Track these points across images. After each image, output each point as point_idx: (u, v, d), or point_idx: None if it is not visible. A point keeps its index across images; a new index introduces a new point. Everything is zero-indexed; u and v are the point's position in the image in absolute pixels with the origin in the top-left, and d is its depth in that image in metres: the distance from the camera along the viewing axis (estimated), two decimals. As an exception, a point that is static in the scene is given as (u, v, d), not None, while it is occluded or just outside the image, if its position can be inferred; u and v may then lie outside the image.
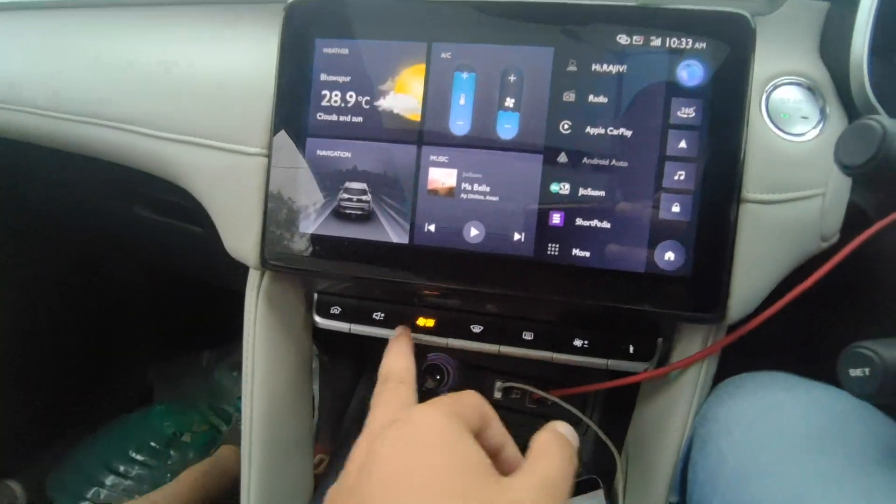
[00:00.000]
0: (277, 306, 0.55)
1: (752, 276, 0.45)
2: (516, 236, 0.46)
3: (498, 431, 0.36)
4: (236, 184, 0.51)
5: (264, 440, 0.56)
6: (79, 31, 0.58)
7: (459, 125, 0.47)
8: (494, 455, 0.35)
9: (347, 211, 0.48)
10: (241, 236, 0.51)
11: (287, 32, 0.50)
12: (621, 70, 0.45)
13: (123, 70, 0.55)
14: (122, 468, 0.90)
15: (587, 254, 0.45)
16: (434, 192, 0.47)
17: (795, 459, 0.37)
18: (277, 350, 0.56)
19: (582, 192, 0.45)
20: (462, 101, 0.47)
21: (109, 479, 0.88)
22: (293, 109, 0.49)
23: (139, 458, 0.90)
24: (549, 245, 0.46)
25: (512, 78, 0.46)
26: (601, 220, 0.45)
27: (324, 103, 0.49)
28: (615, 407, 0.60)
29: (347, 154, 0.48)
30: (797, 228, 0.45)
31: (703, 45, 0.44)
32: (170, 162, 0.54)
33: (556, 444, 0.34)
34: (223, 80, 0.52)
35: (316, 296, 0.56)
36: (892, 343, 0.35)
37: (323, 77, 0.49)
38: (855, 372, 0.35)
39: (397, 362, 0.43)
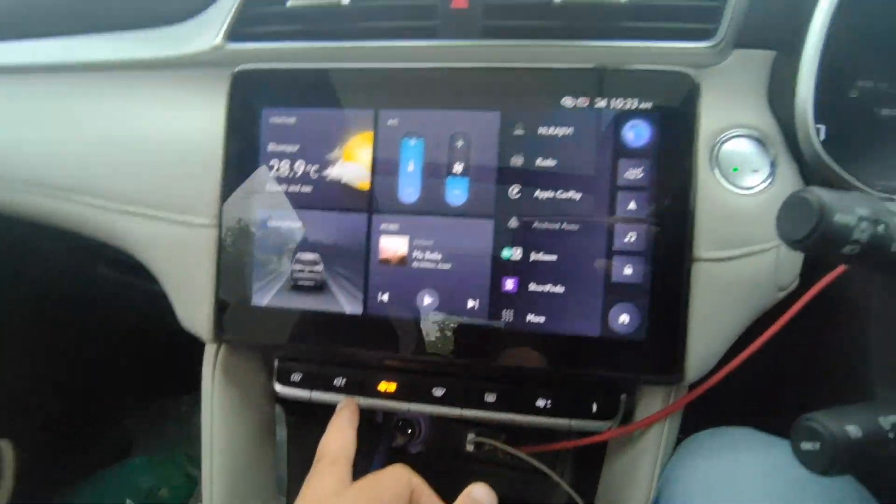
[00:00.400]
0: (236, 377, 0.54)
1: (708, 336, 0.44)
2: (470, 303, 0.45)
3: (429, 501, 0.37)
4: (187, 256, 0.50)
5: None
6: (24, 98, 0.57)
7: (409, 192, 0.46)
8: None
9: (300, 282, 0.48)
10: (193, 310, 0.50)
11: (233, 102, 0.49)
12: (568, 132, 0.44)
13: (70, 138, 0.54)
14: (98, 527, 0.88)
15: (542, 319, 0.45)
16: (386, 261, 0.46)
17: None
18: (237, 421, 0.55)
19: (534, 256, 0.45)
20: (411, 168, 0.46)
21: (86, 539, 0.86)
22: (242, 180, 0.49)
23: (116, 515, 0.89)
24: (504, 311, 0.45)
25: (460, 143, 0.46)
26: (554, 285, 0.44)
27: (273, 173, 0.48)
28: (586, 462, 0.59)
29: (298, 224, 0.48)
30: (752, 283, 0.45)
31: (648, 104, 0.44)
32: (119, 233, 0.53)
33: None
34: (171, 149, 0.52)
35: (276, 362, 0.55)
36: (844, 413, 0.34)
37: (271, 147, 0.48)
38: (806, 446, 0.34)
39: (333, 441, 0.42)
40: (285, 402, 0.61)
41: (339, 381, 0.53)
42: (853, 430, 0.33)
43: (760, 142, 0.46)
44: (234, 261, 0.49)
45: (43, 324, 0.85)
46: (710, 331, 0.44)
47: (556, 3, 0.46)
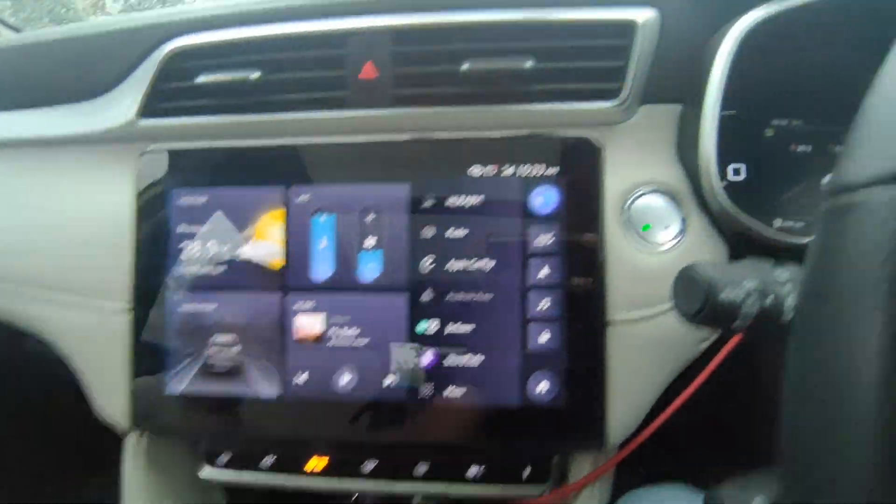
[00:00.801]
0: (160, 464, 0.52)
1: (629, 397, 0.44)
2: (388, 379, 0.45)
3: None
4: (101, 343, 0.49)
5: None
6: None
7: (322, 269, 0.46)
8: None
9: (216, 366, 0.46)
10: (109, 399, 0.49)
11: (142, 183, 0.48)
12: (477, 202, 0.44)
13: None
14: None
15: (461, 392, 0.44)
16: (302, 339, 0.46)
17: None
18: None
19: (450, 328, 0.44)
20: (323, 244, 0.46)
21: None
22: (153, 262, 0.48)
23: None
24: (422, 386, 0.44)
25: (371, 217, 0.45)
26: (472, 356, 0.44)
27: (184, 255, 0.47)
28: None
29: (212, 306, 0.47)
30: (669, 341, 0.45)
31: (554, 171, 0.44)
32: (33, 321, 0.51)
33: None
34: (83, 231, 0.50)
35: (204, 445, 0.53)
36: (751, 485, 0.34)
37: (181, 228, 0.47)
38: None
39: None
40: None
41: (268, 461, 0.51)
42: None
43: (671, 197, 0.47)
44: (149, 346, 0.48)
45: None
46: (630, 392, 0.44)
47: (463, 71, 0.46)
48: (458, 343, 0.44)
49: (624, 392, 0.44)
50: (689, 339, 0.45)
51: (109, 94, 0.53)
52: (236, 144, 0.47)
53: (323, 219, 0.46)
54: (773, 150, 0.52)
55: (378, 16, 0.48)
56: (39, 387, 0.70)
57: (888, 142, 0.19)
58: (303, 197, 0.46)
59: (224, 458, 0.52)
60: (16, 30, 0.84)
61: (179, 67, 0.51)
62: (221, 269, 0.47)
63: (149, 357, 0.47)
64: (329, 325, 0.45)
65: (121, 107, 0.52)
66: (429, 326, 0.44)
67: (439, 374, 0.44)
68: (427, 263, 0.44)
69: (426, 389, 0.44)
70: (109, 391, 0.49)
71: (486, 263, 0.44)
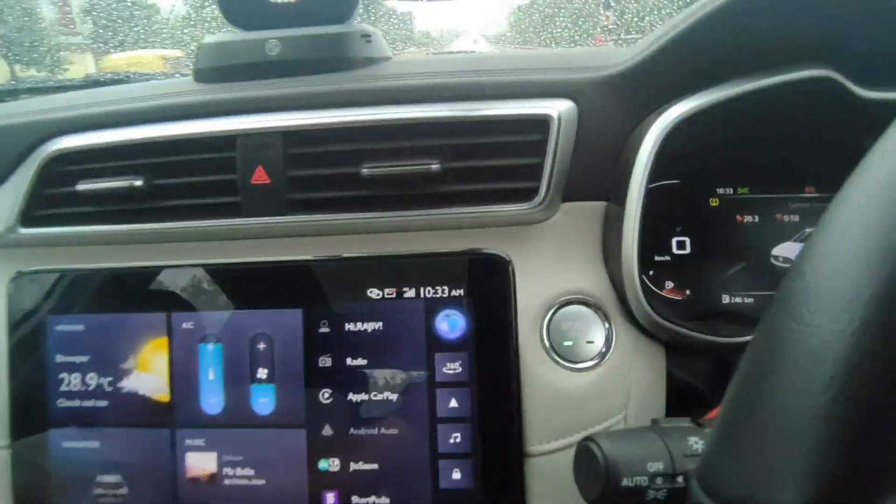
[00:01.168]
0: None
1: (552, 534, 0.40)
2: (290, 522, 0.41)
3: None
4: (-20, 480, 0.44)
5: None
6: None
7: (212, 403, 0.41)
8: None
9: (104, 508, 0.42)
10: (-7, 541, 0.45)
11: (14, 309, 0.44)
12: (377, 327, 0.40)
13: None
14: None
15: (369, 535, 0.40)
16: (195, 479, 0.41)
17: None
18: None
19: (354, 466, 0.40)
20: (211, 376, 0.41)
21: None
22: (31, 395, 0.43)
23: None
24: (328, 529, 0.40)
25: (262, 346, 0.41)
26: (378, 496, 0.40)
27: (63, 388, 0.43)
28: None
29: (96, 444, 0.42)
30: (597, 468, 0.41)
31: (460, 291, 0.40)
32: None
33: None
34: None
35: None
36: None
37: (59, 358, 0.43)
38: None
39: None
40: None
41: None
42: None
43: (595, 307, 0.43)
44: (32, 485, 0.43)
45: None
46: (554, 528, 0.40)
47: (364, 174, 0.42)
48: (364, 482, 0.40)
49: (547, 529, 0.40)
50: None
51: None
52: (115, 266, 0.43)
53: (210, 347, 0.41)
54: (719, 221, 0.49)
55: (268, 115, 0.44)
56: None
57: (767, 461, 0.15)
58: (187, 324, 0.41)
59: None
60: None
61: (60, 171, 0.46)
62: (104, 402, 0.42)
63: (32, 497, 0.43)
64: (223, 464, 0.41)
65: (0, 212, 0.47)
66: (331, 465, 0.40)
67: (345, 516, 0.40)
68: (325, 396, 0.40)
69: (330, 533, 0.40)
70: (-8, 532, 0.45)
71: (390, 395, 0.40)
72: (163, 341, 0.42)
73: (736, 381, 0.17)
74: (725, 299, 0.48)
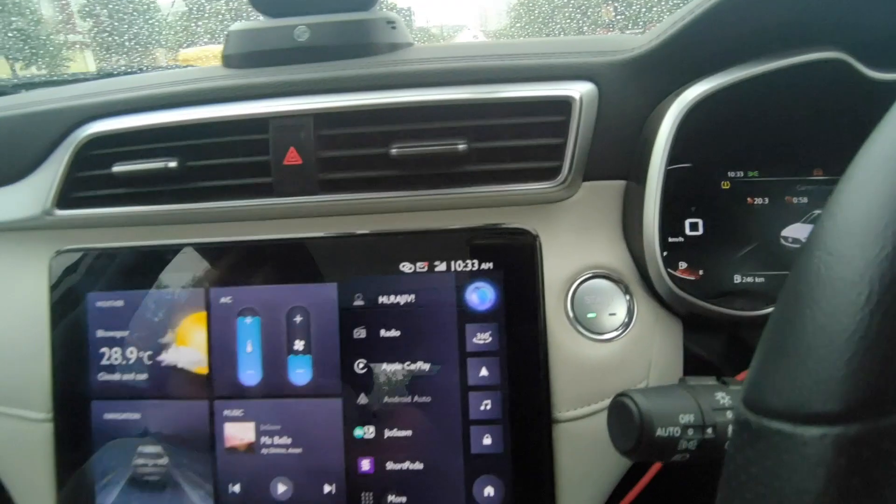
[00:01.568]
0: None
1: (580, 496, 0.42)
2: (326, 488, 0.42)
3: None
4: (25, 452, 0.46)
5: None
6: None
7: (250, 374, 0.43)
8: None
9: (145, 477, 0.44)
10: (36, 511, 0.46)
11: (56, 285, 0.45)
12: (409, 300, 0.42)
13: None
14: None
15: (403, 499, 0.42)
16: (233, 449, 0.43)
17: None
18: None
19: (388, 433, 0.42)
20: (249, 349, 0.43)
21: None
22: (73, 370, 0.45)
23: None
24: (363, 494, 0.42)
25: (298, 319, 0.43)
26: (413, 462, 0.42)
27: (104, 362, 0.44)
28: None
29: (136, 416, 0.44)
30: (621, 434, 0.42)
31: (489, 265, 0.41)
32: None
33: None
34: (-1, 334, 0.47)
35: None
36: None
37: (100, 333, 0.44)
38: None
39: None
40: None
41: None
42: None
43: (616, 281, 0.45)
44: (75, 457, 0.45)
45: None
46: (581, 491, 0.42)
47: (393, 154, 0.44)
48: (398, 448, 0.42)
49: (575, 490, 0.42)
50: (641, 429, 0.43)
51: (24, 181, 0.50)
52: (154, 244, 0.44)
53: (248, 321, 0.43)
54: (731, 203, 0.50)
55: (299, 98, 0.45)
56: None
57: (808, 373, 0.17)
58: (225, 299, 0.43)
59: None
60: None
61: (95, 154, 0.48)
62: (144, 376, 0.44)
63: (74, 468, 0.45)
64: (260, 433, 0.43)
65: (37, 195, 0.49)
66: (366, 432, 0.42)
67: (380, 481, 0.42)
68: (360, 366, 0.42)
69: (367, 498, 0.42)
70: (36, 502, 0.46)
71: (422, 365, 0.41)
72: (201, 315, 0.43)
73: (777, 310, 0.19)
74: (737, 279, 0.50)
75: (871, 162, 0.18)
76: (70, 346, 0.45)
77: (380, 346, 0.42)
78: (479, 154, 0.44)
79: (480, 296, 0.41)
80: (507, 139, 0.44)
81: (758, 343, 0.20)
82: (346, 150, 0.45)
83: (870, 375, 0.16)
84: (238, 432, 0.43)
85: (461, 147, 0.43)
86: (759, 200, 0.51)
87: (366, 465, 0.42)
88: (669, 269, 0.48)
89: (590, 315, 0.43)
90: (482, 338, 0.41)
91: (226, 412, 0.43)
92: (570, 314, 0.43)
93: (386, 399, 0.42)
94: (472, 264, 0.41)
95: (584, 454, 0.42)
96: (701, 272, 0.50)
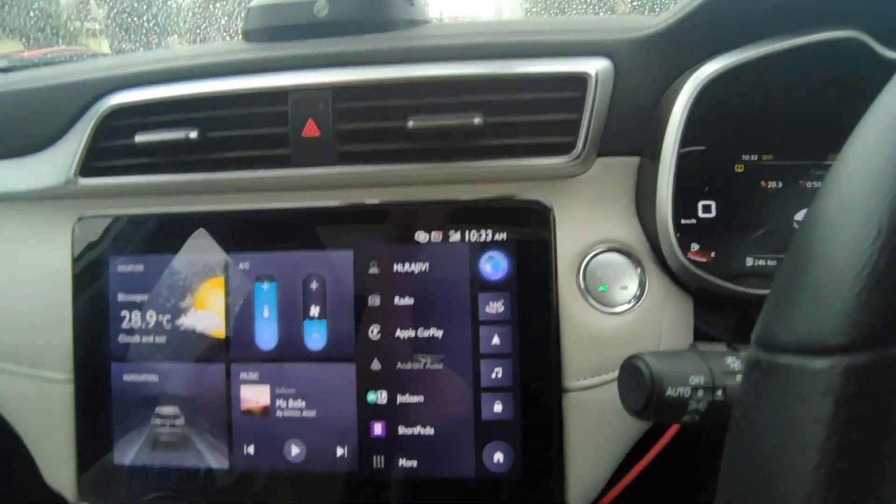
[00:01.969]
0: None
1: (588, 465, 0.43)
2: (339, 451, 0.43)
3: None
4: (45, 412, 0.47)
5: None
6: None
7: (266, 339, 0.44)
8: None
9: (162, 437, 0.45)
10: (56, 468, 0.47)
11: (78, 250, 0.46)
12: (424, 268, 0.43)
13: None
14: None
15: (414, 463, 0.43)
16: (249, 411, 0.44)
17: None
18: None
19: (400, 398, 0.43)
20: (266, 314, 0.44)
21: None
22: (93, 332, 0.46)
23: None
24: (374, 457, 0.43)
25: (314, 285, 0.43)
26: (424, 427, 0.42)
27: (124, 324, 0.45)
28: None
29: (155, 377, 0.45)
30: (629, 405, 0.43)
31: (503, 236, 0.42)
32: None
33: None
34: (21, 296, 0.49)
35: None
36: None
37: (120, 297, 0.46)
38: None
39: None
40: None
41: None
42: None
43: (628, 255, 0.45)
44: (94, 417, 0.46)
45: None
46: (590, 460, 0.43)
47: (410, 127, 0.45)
48: (410, 413, 0.42)
49: (583, 459, 0.43)
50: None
51: (47, 151, 0.51)
52: (174, 211, 0.45)
53: (265, 287, 0.44)
54: (744, 186, 0.51)
55: (318, 70, 0.46)
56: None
57: (817, 307, 0.17)
58: (243, 264, 0.44)
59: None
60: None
61: (117, 125, 0.49)
62: (163, 339, 0.45)
63: (93, 428, 0.46)
64: (275, 396, 0.44)
65: (59, 164, 0.50)
66: (378, 396, 0.43)
67: (391, 445, 0.43)
68: (374, 332, 0.43)
69: (378, 461, 0.43)
70: (56, 461, 0.47)
71: (435, 332, 0.42)
72: (220, 280, 0.44)
73: (789, 254, 0.20)
74: (749, 262, 0.50)
75: (883, 110, 0.19)
76: (91, 310, 0.46)
77: (394, 313, 0.43)
78: (495, 128, 0.45)
79: (494, 265, 0.42)
80: (522, 114, 0.45)
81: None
82: (364, 122, 0.46)
83: (878, 308, 0.16)
84: (253, 395, 0.44)
85: (477, 121, 0.44)
86: (772, 184, 0.51)
87: (378, 429, 0.43)
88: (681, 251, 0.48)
89: (601, 288, 0.44)
90: (495, 307, 0.42)
91: (242, 375, 0.44)
92: (582, 286, 0.44)
93: (399, 365, 0.43)
94: (487, 234, 0.42)
95: (593, 424, 0.43)
96: (713, 254, 0.50)
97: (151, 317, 0.45)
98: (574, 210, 0.45)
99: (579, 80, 0.44)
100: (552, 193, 0.45)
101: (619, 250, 0.45)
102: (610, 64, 0.45)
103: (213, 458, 0.44)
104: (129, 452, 0.45)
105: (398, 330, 0.42)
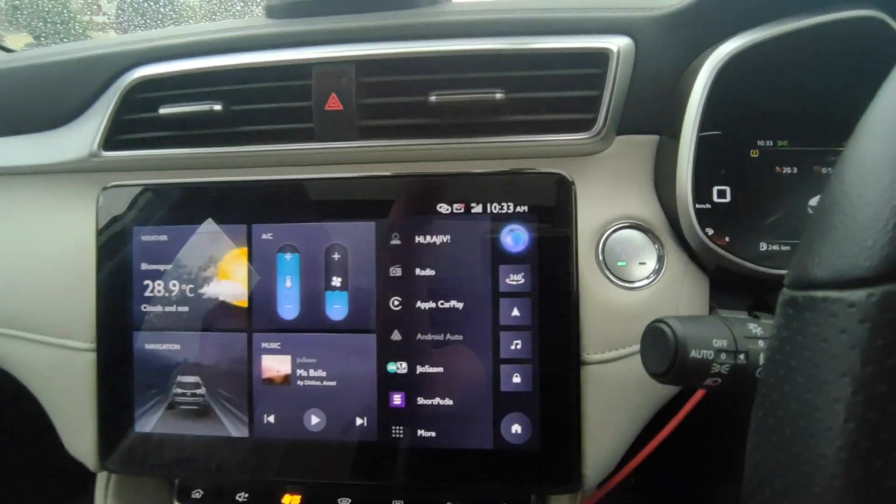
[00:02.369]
0: (132, 500, 0.51)
1: (605, 438, 0.43)
2: (358, 421, 0.44)
3: None
4: (67, 381, 0.48)
5: None
6: None
7: (288, 309, 0.44)
8: None
9: (182, 406, 0.45)
10: (77, 436, 0.48)
11: (103, 219, 0.47)
12: (445, 240, 0.43)
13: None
14: None
15: (433, 433, 0.43)
16: (269, 380, 0.44)
17: None
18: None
19: (420, 369, 0.43)
20: (288, 284, 0.44)
21: None
22: (116, 301, 0.46)
23: None
24: (393, 428, 0.43)
25: (336, 256, 0.44)
26: (443, 398, 0.43)
27: (147, 293, 0.46)
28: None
29: (177, 346, 0.45)
30: (646, 380, 0.43)
31: (524, 208, 0.42)
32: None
33: None
34: (45, 266, 0.49)
35: (176, 481, 0.52)
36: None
37: (144, 266, 0.46)
38: None
39: None
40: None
41: (241, 497, 0.51)
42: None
43: (647, 231, 0.45)
44: (116, 385, 0.46)
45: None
46: (606, 434, 0.43)
47: (431, 102, 0.45)
48: (430, 384, 0.43)
49: (600, 432, 0.43)
50: (666, 377, 0.44)
51: (72, 124, 0.51)
52: (198, 181, 0.46)
53: (288, 257, 0.44)
54: (759, 172, 0.51)
55: (342, 45, 0.46)
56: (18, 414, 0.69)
57: (854, 242, 0.18)
58: (266, 235, 0.44)
59: (196, 494, 0.51)
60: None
61: (142, 98, 0.49)
62: (185, 308, 0.45)
63: (115, 396, 0.46)
64: (296, 366, 0.44)
65: (84, 137, 0.50)
66: (398, 367, 0.43)
67: (411, 416, 0.43)
68: (395, 303, 0.43)
69: (397, 431, 0.43)
70: (77, 429, 0.48)
71: (456, 303, 0.43)
72: (243, 251, 0.45)
73: (824, 195, 0.20)
74: (763, 247, 0.51)
75: None
76: (115, 279, 0.46)
77: (415, 285, 0.43)
78: (516, 104, 0.45)
79: (514, 238, 0.42)
80: (543, 90, 0.45)
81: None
82: (386, 97, 0.46)
83: None
84: (274, 364, 0.44)
85: (498, 96, 0.44)
86: (787, 170, 0.51)
87: (397, 399, 0.43)
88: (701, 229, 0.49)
89: (620, 263, 0.44)
90: (515, 279, 0.42)
91: (263, 345, 0.44)
92: (601, 261, 0.44)
93: (419, 336, 0.43)
94: (508, 206, 0.42)
95: (610, 397, 0.43)
96: (727, 239, 0.51)
97: (174, 286, 0.45)
98: (594, 187, 0.46)
99: (601, 57, 0.45)
100: (572, 170, 0.46)
101: (637, 227, 0.45)
102: (631, 42, 0.45)
103: (234, 427, 0.45)
104: (149, 421, 0.46)
105: (419, 301, 0.43)
